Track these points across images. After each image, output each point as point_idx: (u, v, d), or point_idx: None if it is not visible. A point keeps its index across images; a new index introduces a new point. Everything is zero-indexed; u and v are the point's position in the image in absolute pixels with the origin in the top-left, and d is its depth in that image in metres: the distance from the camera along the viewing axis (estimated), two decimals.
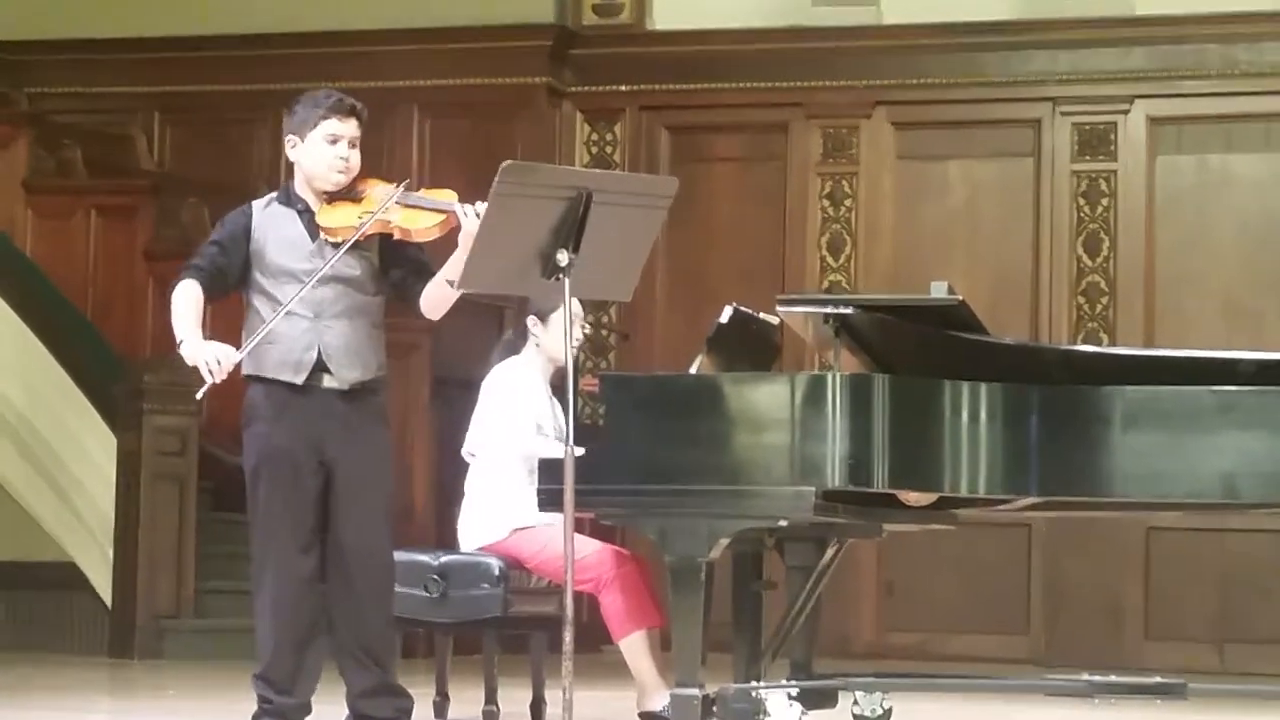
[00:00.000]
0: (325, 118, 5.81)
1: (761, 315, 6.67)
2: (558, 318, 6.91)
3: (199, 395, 5.65)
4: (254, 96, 12.33)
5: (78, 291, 11.30)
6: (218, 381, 5.58)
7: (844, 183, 11.90)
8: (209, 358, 5.58)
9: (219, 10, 12.52)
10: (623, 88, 12.19)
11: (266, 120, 12.24)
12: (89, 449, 10.30)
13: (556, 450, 6.40)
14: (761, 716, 6.03)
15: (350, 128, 5.83)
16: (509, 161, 5.57)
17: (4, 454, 10.39)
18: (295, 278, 5.76)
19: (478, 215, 5.61)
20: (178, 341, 5.70)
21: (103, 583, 10.14)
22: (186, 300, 5.75)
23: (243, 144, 12.46)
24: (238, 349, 5.68)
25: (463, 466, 7.06)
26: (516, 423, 6.87)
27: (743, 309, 6.58)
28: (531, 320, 7.00)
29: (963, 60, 11.77)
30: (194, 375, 5.62)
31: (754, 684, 6.28)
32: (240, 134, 12.49)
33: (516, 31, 12.03)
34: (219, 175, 12.13)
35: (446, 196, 5.80)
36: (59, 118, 12.39)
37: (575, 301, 6.97)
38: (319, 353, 5.78)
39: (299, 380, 5.78)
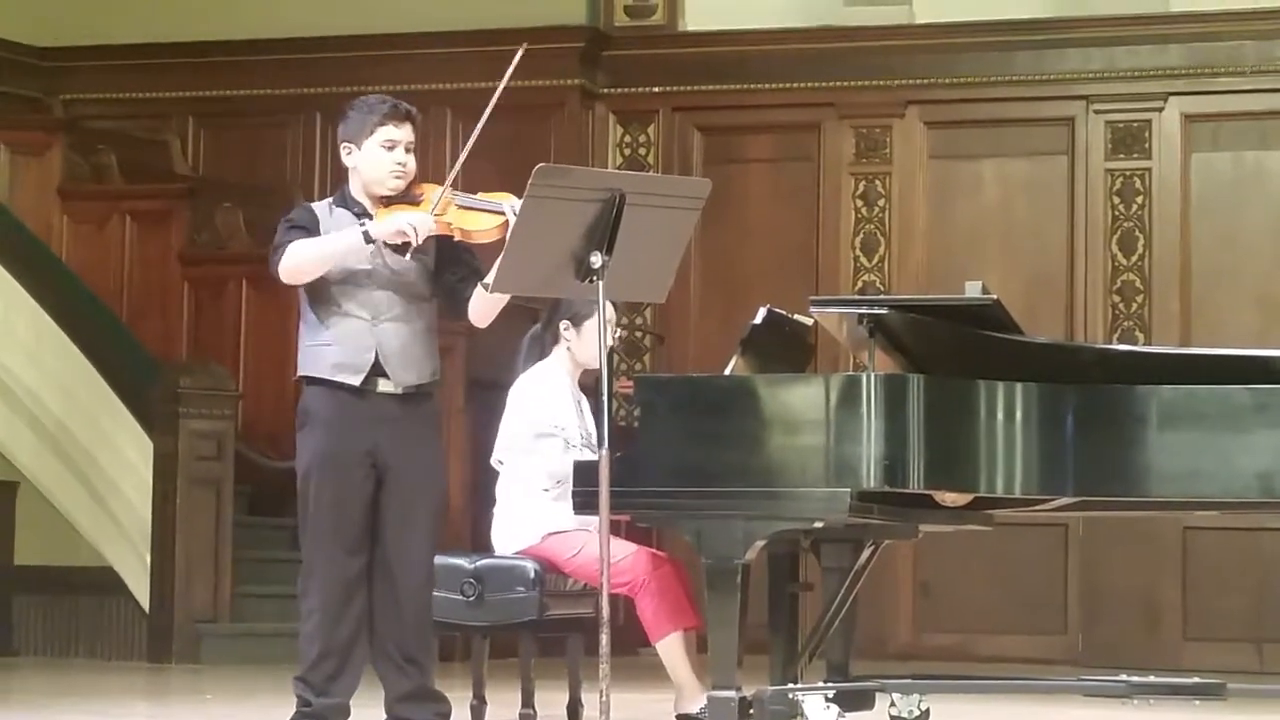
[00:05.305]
0: (381, 124, 5.82)
1: (795, 316, 6.67)
2: (591, 324, 6.90)
3: (408, 256, 5.69)
4: (288, 100, 12.36)
5: (113, 296, 11.34)
6: (419, 243, 5.65)
7: (877, 183, 11.89)
8: (406, 223, 5.64)
9: (252, 15, 12.55)
10: (655, 89, 12.20)
11: (300, 124, 12.29)
12: (125, 453, 10.33)
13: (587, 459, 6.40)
14: (798, 718, 6.02)
15: (406, 133, 5.85)
16: (542, 164, 5.58)
17: (41, 459, 10.43)
18: (354, 281, 5.77)
19: (515, 214, 5.64)
20: (360, 238, 5.65)
21: (140, 587, 10.16)
22: (305, 242, 5.71)
23: (277, 148, 12.49)
24: (289, 356, 5.74)
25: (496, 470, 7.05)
26: (541, 443, 6.84)
27: (777, 310, 6.57)
28: (564, 324, 6.99)
29: (996, 59, 11.75)
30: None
31: (791, 686, 6.28)
32: (274, 138, 12.52)
33: (549, 34, 12.02)
34: (253, 179, 12.17)
35: (503, 197, 5.80)
36: (93, 123, 12.44)
37: (609, 306, 6.99)
38: (376, 355, 5.80)
39: (357, 382, 5.79)
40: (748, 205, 11.91)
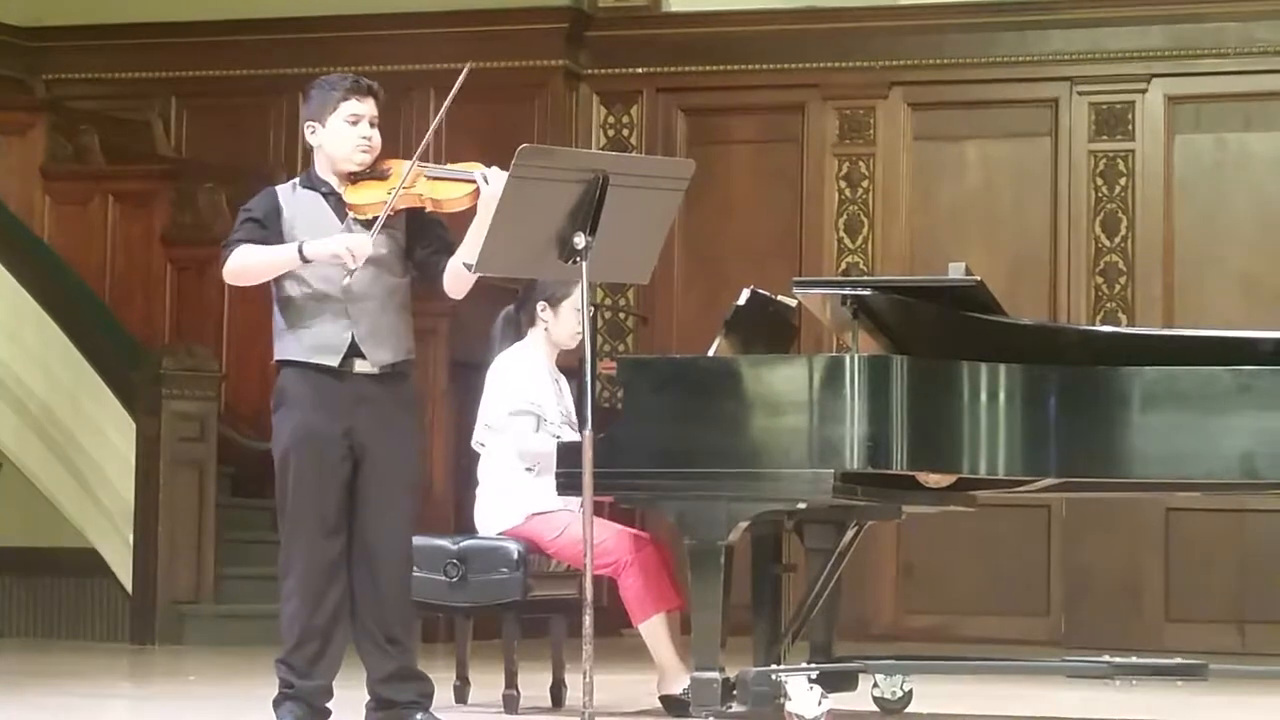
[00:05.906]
0: (344, 99, 5.82)
1: (779, 297, 6.67)
2: (568, 305, 6.90)
3: (346, 281, 5.66)
4: (270, 81, 12.33)
5: (95, 277, 11.31)
6: (358, 267, 5.63)
7: (860, 164, 11.88)
8: (342, 247, 5.63)
9: None
10: (639, 70, 12.18)
11: (283, 105, 12.26)
12: (109, 435, 10.32)
13: (566, 439, 6.41)
14: (782, 699, 6.03)
15: (369, 107, 5.85)
16: (525, 145, 5.57)
17: (25, 440, 10.41)
18: (328, 262, 5.76)
19: (486, 181, 5.63)
20: (296, 255, 5.67)
21: (123, 568, 10.15)
22: (249, 249, 5.75)
23: (259, 128, 12.47)
24: (272, 337, 5.74)
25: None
26: (514, 420, 6.84)
27: (760, 291, 6.58)
28: (541, 305, 6.98)
29: (979, 40, 11.74)
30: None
31: (774, 667, 6.29)
32: (257, 119, 12.49)
33: (532, 14, 12.03)
34: (236, 160, 12.14)
35: (472, 166, 5.80)
36: (76, 104, 12.40)
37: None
38: (353, 335, 5.80)
39: (334, 363, 5.78)
40: (731, 186, 11.90)
